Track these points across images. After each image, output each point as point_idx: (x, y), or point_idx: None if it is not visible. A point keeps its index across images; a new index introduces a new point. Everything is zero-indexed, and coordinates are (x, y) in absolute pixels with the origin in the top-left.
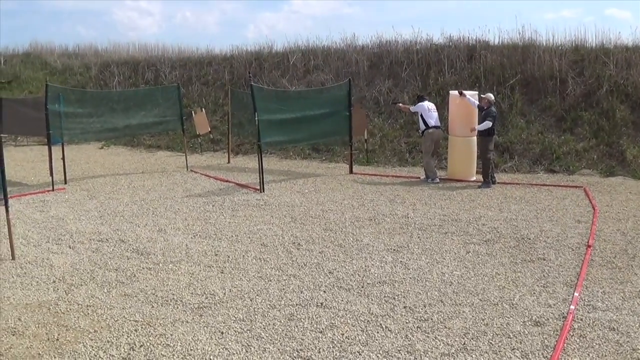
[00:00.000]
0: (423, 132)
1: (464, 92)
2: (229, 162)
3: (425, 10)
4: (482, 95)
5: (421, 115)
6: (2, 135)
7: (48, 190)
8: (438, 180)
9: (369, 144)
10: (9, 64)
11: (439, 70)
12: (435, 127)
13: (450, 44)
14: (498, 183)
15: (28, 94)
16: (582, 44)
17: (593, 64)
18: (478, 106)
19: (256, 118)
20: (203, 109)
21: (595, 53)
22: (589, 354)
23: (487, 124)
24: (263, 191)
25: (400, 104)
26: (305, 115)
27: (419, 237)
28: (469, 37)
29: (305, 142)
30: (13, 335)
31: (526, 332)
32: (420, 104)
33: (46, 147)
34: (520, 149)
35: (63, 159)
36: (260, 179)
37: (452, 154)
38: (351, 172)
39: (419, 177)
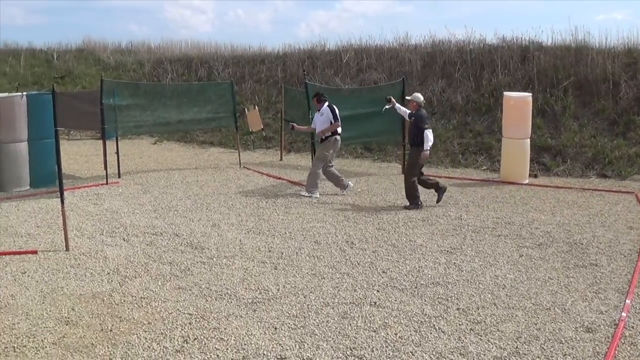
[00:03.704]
0: (327, 137)
1: (392, 99)
2: (281, 159)
3: (478, 10)
4: (407, 98)
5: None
6: (57, 128)
7: (102, 184)
8: (318, 195)
9: None
10: (62, 59)
11: (492, 71)
12: (339, 134)
13: (504, 44)
14: (551, 187)
15: (81, 89)
16: (635, 47)
17: None
18: (409, 114)
19: (310, 116)
20: (256, 107)
21: None
22: None
23: (427, 134)
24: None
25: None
26: (358, 114)
27: (472, 239)
28: (522, 38)
29: (357, 140)
30: (66, 324)
31: (578, 338)
32: (330, 109)
33: (99, 141)
34: (573, 153)
35: (117, 153)
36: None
37: (506, 156)
38: (404, 172)
39: (301, 193)
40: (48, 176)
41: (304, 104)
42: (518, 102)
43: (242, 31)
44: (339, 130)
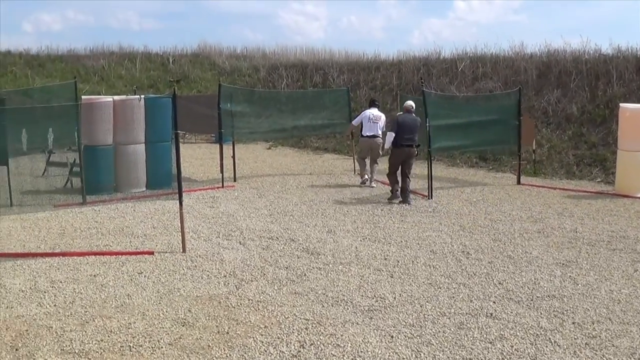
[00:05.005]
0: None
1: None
2: None
3: (591, 19)
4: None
5: (361, 124)
6: (178, 132)
7: (218, 187)
8: (367, 183)
9: (536, 155)
10: (177, 63)
11: (608, 82)
12: (368, 136)
13: (619, 54)
14: None
15: (196, 93)
16: None
17: None
18: None
19: (427, 124)
20: None
21: None
22: None
23: (390, 136)
24: (431, 198)
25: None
26: (474, 122)
27: (587, 253)
28: (637, 48)
29: (473, 148)
30: (183, 325)
31: None
32: (364, 112)
33: (213, 144)
34: None
35: (233, 157)
36: (428, 185)
37: (621, 169)
38: (519, 182)
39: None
40: (164, 178)
41: (419, 111)
42: (634, 114)
43: (355, 38)
44: (366, 132)
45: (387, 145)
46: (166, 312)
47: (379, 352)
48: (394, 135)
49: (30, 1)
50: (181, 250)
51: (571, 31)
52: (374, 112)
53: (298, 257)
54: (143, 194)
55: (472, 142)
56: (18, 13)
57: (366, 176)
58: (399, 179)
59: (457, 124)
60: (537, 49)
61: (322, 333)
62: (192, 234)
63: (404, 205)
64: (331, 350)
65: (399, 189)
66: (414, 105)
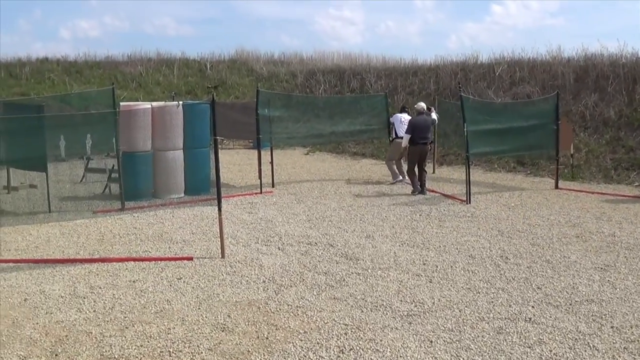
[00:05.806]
0: (392, 139)
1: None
2: (434, 172)
3: (629, 22)
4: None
5: (393, 125)
6: (217, 137)
7: (256, 193)
8: (400, 178)
9: (574, 159)
10: (215, 69)
11: None
12: (401, 137)
13: None
14: None
15: (234, 99)
16: None
17: None
18: None
19: (465, 129)
20: None
21: None
22: None
23: (406, 137)
24: (469, 203)
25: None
26: (512, 127)
27: (625, 257)
28: None
29: (511, 153)
30: (222, 331)
31: None
32: (396, 114)
33: (251, 150)
34: None
35: (272, 162)
36: (467, 190)
37: None
38: (557, 187)
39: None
40: (202, 184)
41: (457, 116)
42: None
43: (392, 43)
44: (400, 133)
45: (404, 143)
46: (205, 317)
47: (418, 357)
48: (409, 136)
49: (67, 7)
50: (220, 256)
51: (608, 35)
52: (404, 116)
53: (337, 263)
54: (181, 200)
55: (510, 147)
56: (55, 20)
57: (401, 177)
58: (417, 172)
59: (494, 129)
60: (575, 53)
61: (361, 338)
62: (230, 239)
63: (423, 197)
64: (370, 355)
65: (419, 183)
66: (425, 106)
